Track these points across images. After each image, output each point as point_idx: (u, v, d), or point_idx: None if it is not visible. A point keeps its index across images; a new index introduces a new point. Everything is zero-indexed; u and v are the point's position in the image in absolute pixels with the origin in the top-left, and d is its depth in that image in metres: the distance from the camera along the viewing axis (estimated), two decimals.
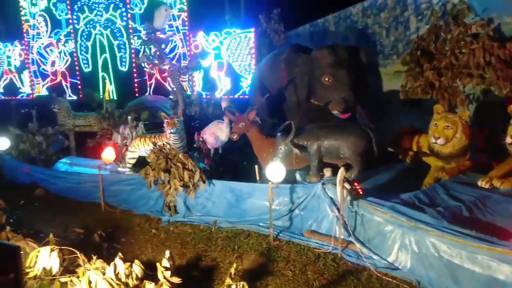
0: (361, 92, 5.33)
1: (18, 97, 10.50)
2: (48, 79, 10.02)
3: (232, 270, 2.76)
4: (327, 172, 4.68)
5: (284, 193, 4.48)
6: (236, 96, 8.40)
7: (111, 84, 9.37)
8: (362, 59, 5.58)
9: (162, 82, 8.91)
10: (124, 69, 9.26)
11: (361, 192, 3.95)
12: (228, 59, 8.49)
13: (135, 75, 9.16)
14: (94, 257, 3.02)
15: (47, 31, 9.78)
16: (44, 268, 2.77)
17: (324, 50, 5.32)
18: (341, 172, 3.83)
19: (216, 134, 5.91)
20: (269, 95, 5.42)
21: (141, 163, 5.88)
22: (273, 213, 4.33)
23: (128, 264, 2.87)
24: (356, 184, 3.96)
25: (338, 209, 4.03)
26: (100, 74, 9.41)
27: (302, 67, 5.45)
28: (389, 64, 6.32)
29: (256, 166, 4.88)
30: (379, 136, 4.56)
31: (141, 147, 5.84)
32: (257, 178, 4.87)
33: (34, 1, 9.72)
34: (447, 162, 4.60)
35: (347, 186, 3.83)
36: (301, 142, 4.58)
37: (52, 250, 2.81)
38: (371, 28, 6.56)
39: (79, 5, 9.34)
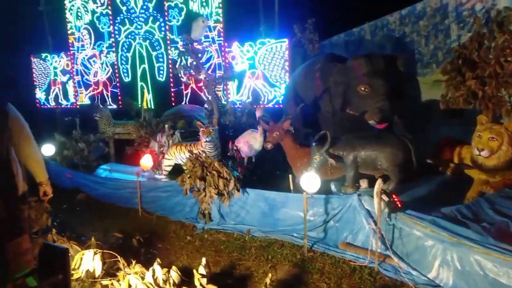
0: (398, 102, 5.20)
1: (63, 105, 11.08)
2: (91, 88, 10.51)
3: (267, 280, 2.76)
4: (363, 183, 4.58)
5: (318, 204, 4.43)
6: (269, 105, 8.44)
7: (149, 93, 9.69)
8: (399, 68, 5.46)
9: (198, 91, 9.11)
10: (162, 79, 9.56)
11: (399, 205, 3.84)
12: (262, 69, 8.56)
13: (171, 84, 9.43)
14: (133, 262, 3.11)
15: (90, 43, 10.29)
16: (87, 271, 2.88)
17: (360, 59, 5.25)
18: (379, 183, 3.75)
19: (249, 143, 5.95)
20: (303, 105, 5.41)
21: (176, 171, 6.03)
22: (307, 223, 4.29)
23: (165, 269, 2.93)
24: (394, 196, 3.86)
25: (375, 222, 3.93)
26: (139, 84, 9.77)
27: (337, 76, 5.40)
28: (428, 73, 6.14)
29: (290, 176, 4.87)
30: (418, 147, 4.42)
31: (177, 155, 5.99)
32: (291, 187, 4.85)
33: (79, 15, 10.28)
34: (492, 175, 4.38)
35: (385, 198, 3.74)
36: (336, 152, 4.52)
37: (95, 253, 2.92)
38: (409, 37, 6.42)
39: (120, 18, 9.78)
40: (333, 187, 4.84)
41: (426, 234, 3.62)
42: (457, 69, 4.81)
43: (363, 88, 5.14)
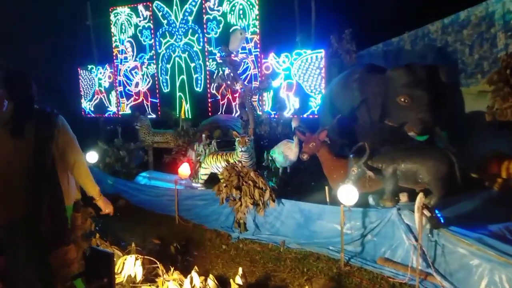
0: (440, 113, 5.03)
1: (106, 115, 11.60)
2: (132, 99, 10.95)
3: None
4: (403, 197, 4.44)
5: (356, 217, 4.33)
6: (305, 115, 8.42)
7: (187, 103, 9.95)
8: (441, 78, 5.28)
9: (233, 102, 9.24)
10: (199, 89, 9.80)
11: (442, 221, 3.69)
12: (298, 80, 8.57)
13: (209, 95, 9.63)
14: (172, 268, 3.18)
15: (133, 55, 10.75)
16: (129, 276, 2.97)
17: (399, 70, 5.13)
18: (420, 197, 3.62)
19: (285, 153, 5.96)
20: (340, 116, 5.36)
21: (212, 180, 6.13)
22: (344, 237, 4.21)
23: (202, 278, 2.97)
24: (436, 211, 3.71)
25: (416, 237, 3.79)
26: (178, 94, 10.06)
27: (376, 87, 5.31)
28: (472, 83, 5.90)
29: (326, 187, 4.81)
30: (461, 160, 4.24)
31: (213, 164, 6.09)
32: (327, 199, 4.79)
33: (123, 29, 10.78)
34: None
35: (427, 213, 3.60)
36: (375, 164, 4.42)
37: (136, 259, 3.01)
38: (451, 46, 6.21)
39: (161, 31, 10.16)
40: (371, 200, 4.73)
41: (472, 252, 3.44)
42: (505, 79, 4.60)
43: (403, 99, 5.01)
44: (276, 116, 8.03)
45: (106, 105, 11.59)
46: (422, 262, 3.72)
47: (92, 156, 7.36)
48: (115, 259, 3.25)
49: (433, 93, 4.97)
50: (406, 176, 4.30)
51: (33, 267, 2.14)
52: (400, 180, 4.37)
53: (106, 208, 2.80)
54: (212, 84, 8.73)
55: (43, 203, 2.22)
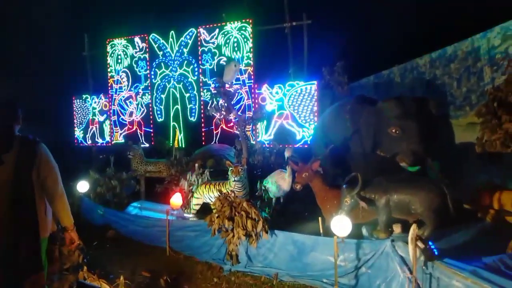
0: (431, 145, 5.10)
1: (99, 144, 11.57)
2: (125, 128, 10.97)
3: None
4: (397, 228, 4.41)
5: (349, 249, 4.27)
6: (297, 145, 8.48)
7: (180, 133, 9.99)
8: (431, 110, 5.39)
9: (229, 131, 9.31)
10: (193, 119, 9.87)
11: (436, 253, 3.65)
12: (291, 110, 8.70)
13: (203, 125, 9.70)
14: None
15: (128, 85, 10.88)
16: None
17: (391, 101, 5.24)
18: (414, 229, 3.59)
19: (278, 183, 5.94)
20: (333, 146, 5.40)
21: (204, 210, 6.05)
22: (338, 269, 4.13)
23: None
24: (430, 243, 3.68)
25: (410, 270, 3.73)
26: (171, 123, 10.12)
27: (368, 118, 5.40)
28: (461, 115, 6.03)
29: (319, 218, 4.77)
30: (454, 192, 4.26)
31: (205, 194, 6.03)
32: (321, 230, 4.73)
33: (119, 60, 10.96)
34: None
35: (421, 244, 3.56)
36: (368, 195, 4.42)
37: None
38: (440, 79, 6.40)
39: (157, 62, 10.35)
40: (364, 231, 4.68)
41: (467, 285, 3.39)
42: (493, 111, 4.71)
43: (394, 130, 5.09)
44: (270, 146, 8.08)
45: (100, 134, 11.58)
46: None
47: (83, 186, 7.27)
48: None
49: (424, 124, 5.06)
50: (399, 207, 4.29)
51: None
52: (393, 211, 4.36)
53: (76, 240, 2.77)
54: (207, 113, 8.83)
55: (21, 233, 2.18)
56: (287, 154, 6.51)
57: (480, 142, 4.81)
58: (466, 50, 6.00)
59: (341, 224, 3.96)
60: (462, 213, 4.68)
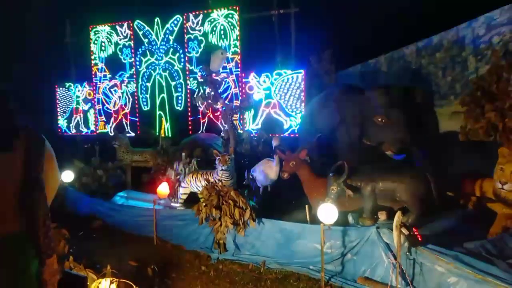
0: (416, 133, 5.17)
1: (83, 133, 11.37)
2: (111, 117, 10.79)
3: None
4: (382, 215, 4.50)
5: (336, 236, 4.34)
6: (285, 134, 8.49)
7: (166, 122, 9.88)
8: (417, 99, 5.46)
9: (215, 120, 9.25)
10: (180, 108, 9.77)
11: (420, 239, 3.74)
12: (278, 99, 8.68)
13: (189, 113, 9.61)
14: None
15: (112, 73, 10.66)
16: None
17: (377, 90, 5.28)
18: (398, 216, 3.66)
19: (265, 172, 5.96)
20: (320, 135, 5.43)
21: (191, 199, 6.04)
22: (324, 256, 4.19)
23: None
24: (414, 229, 3.76)
25: (395, 256, 3.82)
26: (158, 112, 10.00)
27: (354, 106, 5.43)
28: (446, 104, 6.11)
29: (306, 206, 4.81)
30: (437, 179, 4.34)
31: (193, 183, 6.01)
32: (307, 218, 4.78)
33: (103, 47, 10.72)
34: None
35: (405, 231, 3.64)
36: (354, 183, 4.47)
37: (111, 282, 2.90)
38: (426, 69, 6.46)
39: (142, 49, 10.16)
40: (350, 219, 4.76)
41: (450, 270, 3.49)
42: (476, 101, 4.77)
43: (380, 119, 5.14)
44: (256, 135, 8.07)
45: (84, 123, 11.37)
46: (401, 280, 3.74)
47: (68, 175, 7.15)
48: (88, 283, 3.13)
49: (410, 113, 5.12)
50: (385, 194, 4.36)
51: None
52: (379, 198, 4.43)
53: None
54: (194, 101, 8.73)
55: (39, 219, 2.18)
56: (274, 143, 6.52)
57: (463, 130, 4.88)
58: (452, 39, 6.06)
59: (327, 211, 4.01)
60: (446, 200, 4.78)
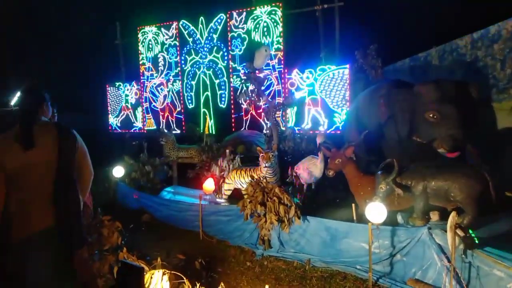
0: (471, 130, 4.87)
1: (132, 130, 11.88)
2: (158, 114, 11.18)
3: None
4: (434, 215, 4.29)
5: (384, 236, 4.21)
6: (329, 131, 8.36)
7: (211, 119, 10.08)
8: (471, 94, 5.13)
9: (258, 117, 9.29)
10: (223, 105, 9.92)
11: (476, 241, 3.53)
12: (322, 95, 8.56)
13: (232, 111, 9.73)
14: (198, 284, 3.15)
15: (158, 71, 11.03)
16: None
17: (428, 85, 5.03)
18: (453, 216, 3.48)
19: (309, 169, 5.90)
20: (367, 131, 5.28)
21: (235, 196, 6.11)
22: (372, 256, 4.08)
23: None
24: (470, 231, 3.56)
25: (448, 258, 3.64)
26: (202, 110, 10.22)
27: (403, 103, 5.21)
28: (504, 99, 5.70)
29: (353, 205, 4.71)
30: (496, 179, 4.07)
31: (236, 179, 6.09)
32: (354, 217, 4.68)
33: (150, 47, 11.11)
34: None
35: (460, 232, 3.46)
36: (404, 181, 4.31)
37: (163, 274, 3.00)
38: (482, 61, 6.06)
39: (187, 48, 10.42)
40: (400, 219, 4.59)
41: (509, 274, 3.27)
42: None
43: (431, 115, 4.89)
44: (300, 132, 8.01)
45: (132, 120, 11.88)
46: (455, 284, 3.56)
47: (118, 171, 7.50)
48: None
49: (464, 109, 4.83)
50: (437, 194, 4.16)
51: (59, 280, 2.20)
52: (431, 198, 4.23)
53: None
54: (237, 99, 8.81)
55: (71, 214, 2.30)
56: (319, 140, 6.43)
57: None
58: (511, 29, 5.63)
59: (376, 210, 3.90)
60: (504, 200, 4.48)
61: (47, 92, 2.66)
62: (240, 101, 8.27)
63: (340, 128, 8.21)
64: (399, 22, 8.68)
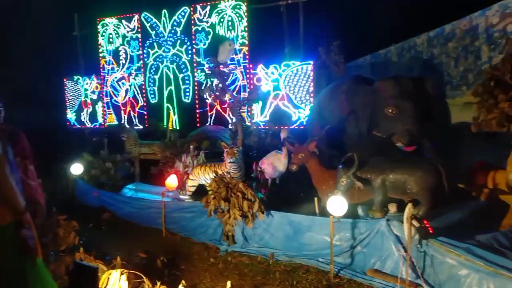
0: (427, 125, 5.08)
1: (91, 126, 11.43)
2: (120, 109, 10.82)
3: None
4: (392, 207, 4.45)
5: (345, 228, 4.31)
6: (294, 126, 8.44)
7: (174, 114, 9.88)
8: (428, 90, 5.36)
9: (223, 113, 9.22)
10: (187, 100, 9.75)
11: (431, 231, 3.69)
12: (287, 91, 8.61)
13: (197, 106, 9.59)
14: (158, 283, 3.09)
15: (119, 65, 10.66)
16: None
17: (387, 81, 5.20)
18: (409, 208, 3.61)
19: (274, 164, 5.93)
20: (329, 127, 5.37)
21: (199, 192, 6.04)
22: (334, 248, 4.17)
23: None
24: (425, 221, 3.71)
25: (405, 248, 3.78)
26: (165, 105, 9.99)
27: (364, 98, 5.35)
28: (458, 95, 6.00)
29: (315, 199, 4.79)
30: (449, 171, 4.27)
31: (201, 176, 6.01)
32: (316, 211, 4.75)
33: (111, 40, 10.72)
34: None
35: (416, 223, 3.59)
36: (364, 175, 4.42)
37: (122, 274, 2.91)
38: (437, 59, 6.33)
39: (149, 42, 10.13)
40: (360, 211, 4.72)
41: (461, 262, 3.44)
42: (489, 91, 4.68)
43: (390, 110, 5.06)
44: (265, 127, 8.03)
45: (93, 116, 11.42)
46: (411, 273, 3.71)
47: (77, 168, 7.21)
48: (100, 274, 3.15)
49: (420, 104, 5.03)
50: (395, 186, 4.31)
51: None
52: (389, 190, 4.37)
53: None
54: (201, 93, 8.67)
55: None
56: (283, 135, 6.48)
57: (476, 121, 4.80)
58: (464, 28, 5.92)
59: (337, 204, 3.98)
60: (457, 192, 4.71)
61: None
62: (204, 95, 8.16)
63: (304, 123, 8.30)
64: (361, 20, 8.88)
